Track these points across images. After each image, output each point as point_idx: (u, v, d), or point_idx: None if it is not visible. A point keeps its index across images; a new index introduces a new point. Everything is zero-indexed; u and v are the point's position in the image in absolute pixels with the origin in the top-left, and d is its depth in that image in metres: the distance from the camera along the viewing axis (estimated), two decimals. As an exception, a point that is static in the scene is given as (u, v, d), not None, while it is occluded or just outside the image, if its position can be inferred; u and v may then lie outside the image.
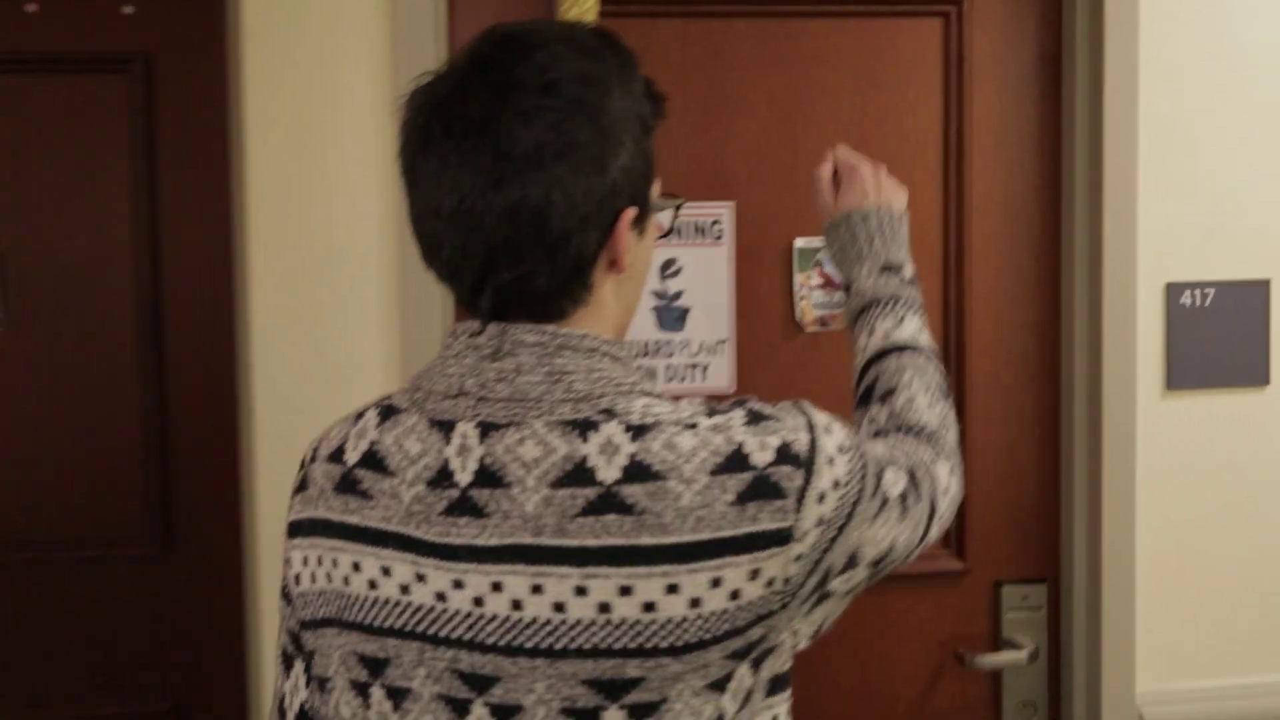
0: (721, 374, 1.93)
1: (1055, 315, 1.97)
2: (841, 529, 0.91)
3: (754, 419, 0.92)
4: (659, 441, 0.88)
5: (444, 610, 0.88)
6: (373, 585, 0.91)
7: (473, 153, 0.89)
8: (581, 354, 0.92)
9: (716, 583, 0.86)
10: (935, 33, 1.92)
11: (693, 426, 0.89)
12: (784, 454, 0.89)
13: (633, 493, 0.86)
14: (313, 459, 1.00)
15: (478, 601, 0.87)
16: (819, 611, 0.93)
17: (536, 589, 0.86)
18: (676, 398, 0.94)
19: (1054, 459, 1.99)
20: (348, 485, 0.94)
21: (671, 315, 1.91)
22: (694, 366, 1.92)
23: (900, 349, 1.23)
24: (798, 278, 1.92)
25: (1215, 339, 1.91)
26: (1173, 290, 1.92)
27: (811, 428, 0.92)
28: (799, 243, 1.91)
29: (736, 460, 0.88)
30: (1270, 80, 1.92)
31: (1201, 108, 1.91)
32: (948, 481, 1.08)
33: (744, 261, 1.91)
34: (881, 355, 1.24)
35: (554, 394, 0.90)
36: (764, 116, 1.90)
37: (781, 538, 0.88)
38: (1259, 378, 1.92)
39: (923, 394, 1.17)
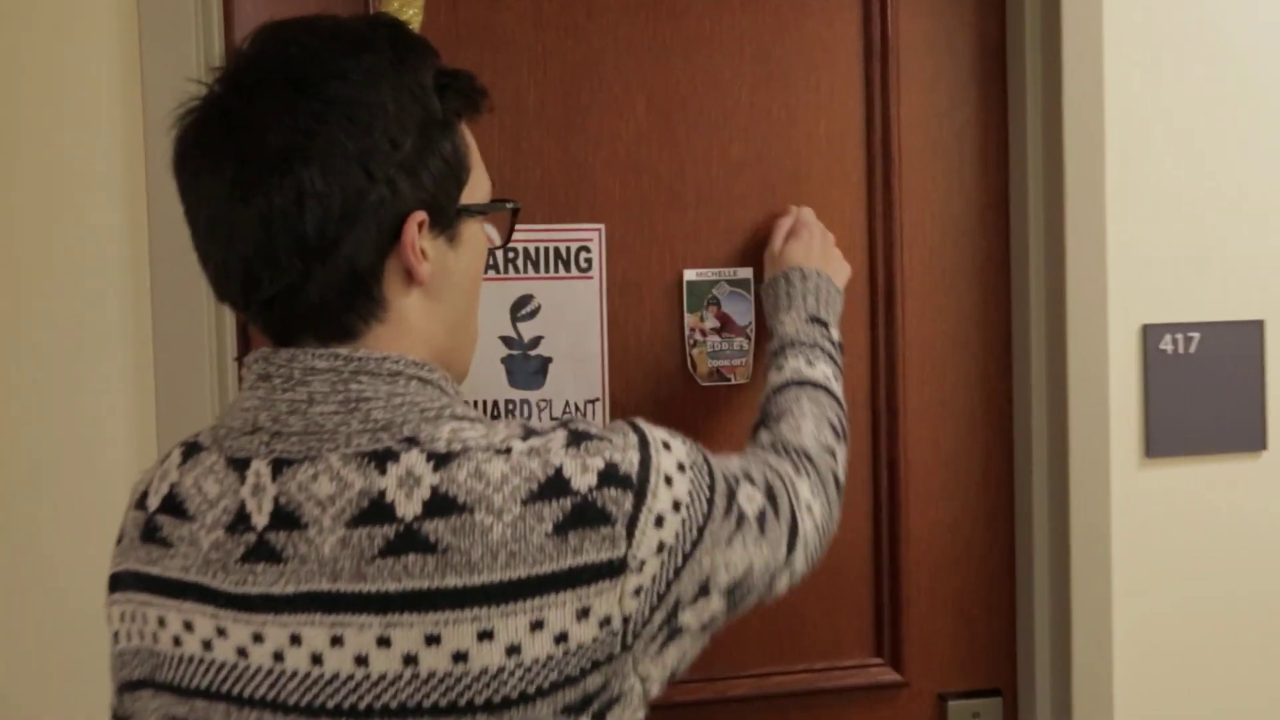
0: (592, 442, 1.52)
1: (1007, 366, 1.60)
2: (689, 555, 0.84)
3: (576, 439, 0.84)
4: (465, 470, 0.81)
5: (245, 667, 0.83)
6: (177, 642, 0.86)
7: (221, 160, 0.84)
8: (382, 378, 0.85)
9: (537, 626, 0.79)
10: (854, 14, 1.54)
11: (505, 451, 0.82)
12: (609, 475, 0.82)
13: (435, 529, 0.80)
14: (129, 505, 0.94)
15: (278, 656, 0.81)
16: (671, 652, 0.85)
17: (336, 641, 0.80)
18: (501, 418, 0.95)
19: (1008, 542, 1.61)
20: (150, 533, 0.90)
21: (527, 369, 1.51)
22: (557, 433, 1.51)
23: (804, 383, 1.20)
24: (688, 319, 1.53)
25: (1202, 393, 1.53)
26: (1150, 334, 1.54)
27: (644, 445, 0.85)
28: (689, 275, 1.52)
29: (554, 485, 0.81)
30: (1264, 73, 1.56)
31: (1181, 108, 1.54)
32: (810, 499, 1.03)
33: (619, 299, 1.51)
34: (784, 387, 1.21)
35: (350, 424, 0.84)
36: (640, 118, 1.51)
37: (612, 569, 0.80)
38: (1253, 441, 1.56)
39: (811, 421, 1.14)
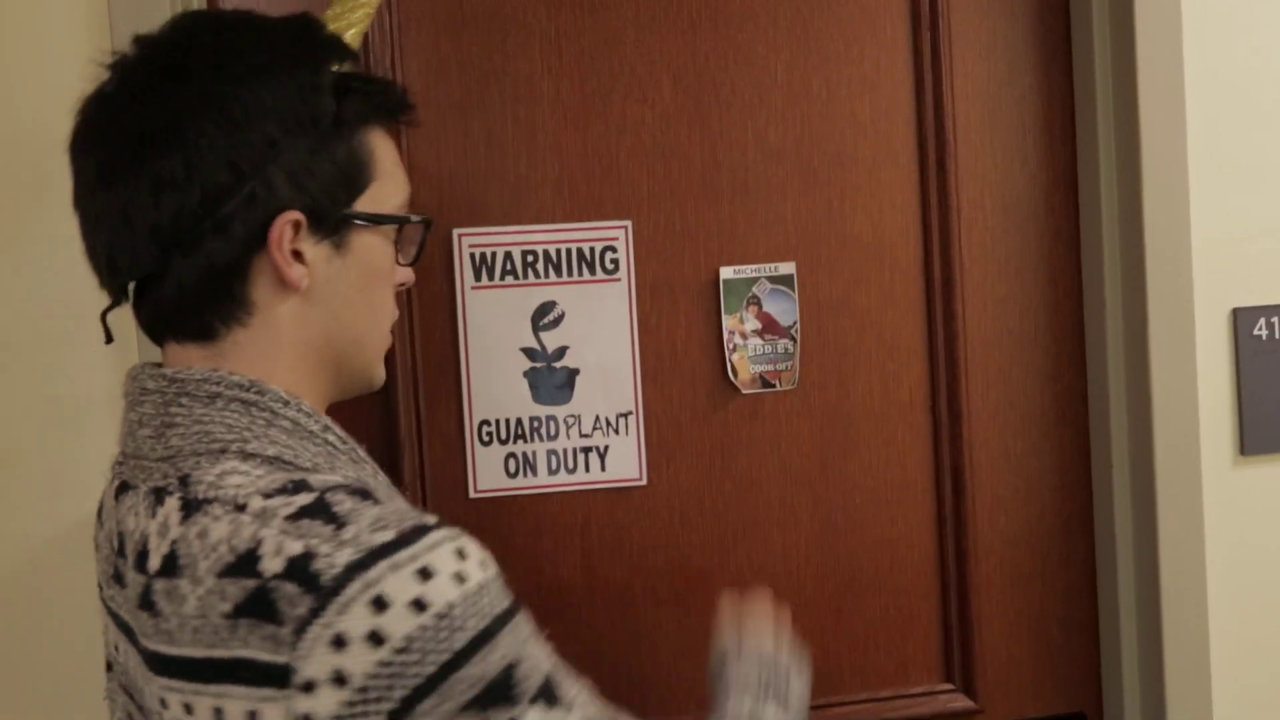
0: (627, 459, 1.37)
1: (1080, 361, 1.44)
2: (398, 713, 0.69)
3: (315, 511, 0.73)
4: (198, 526, 0.75)
5: None
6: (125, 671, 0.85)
7: (92, 146, 0.82)
8: (199, 400, 0.80)
9: (218, 714, 0.73)
10: None
11: (240, 509, 0.75)
12: (295, 566, 0.71)
13: (159, 590, 0.76)
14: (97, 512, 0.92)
15: None
16: None
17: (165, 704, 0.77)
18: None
19: (1088, 553, 1.45)
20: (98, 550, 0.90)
21: (552, 382, 1.37)
22: (588, 451, 1.37)
23: None
24: (727, 322, 1.39)
25: (1301, 381, 1.38)
26: (1242, 318, 1.36)
27: (378, 551, 0.70)
28: (726, 273, 1.38)
29: (246, 562, 0.72)
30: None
31: (1270, 66, 1.36)
32: None
33: (650, 302, 1.37)
34: None
35: (156, 451, 0.81)
36: (666, 101, 1.36)
37: (274, 677, 0.70)
38: (1359, 431, 1.40)
39: None
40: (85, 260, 0.84)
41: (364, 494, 0.75)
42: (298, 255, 0.82)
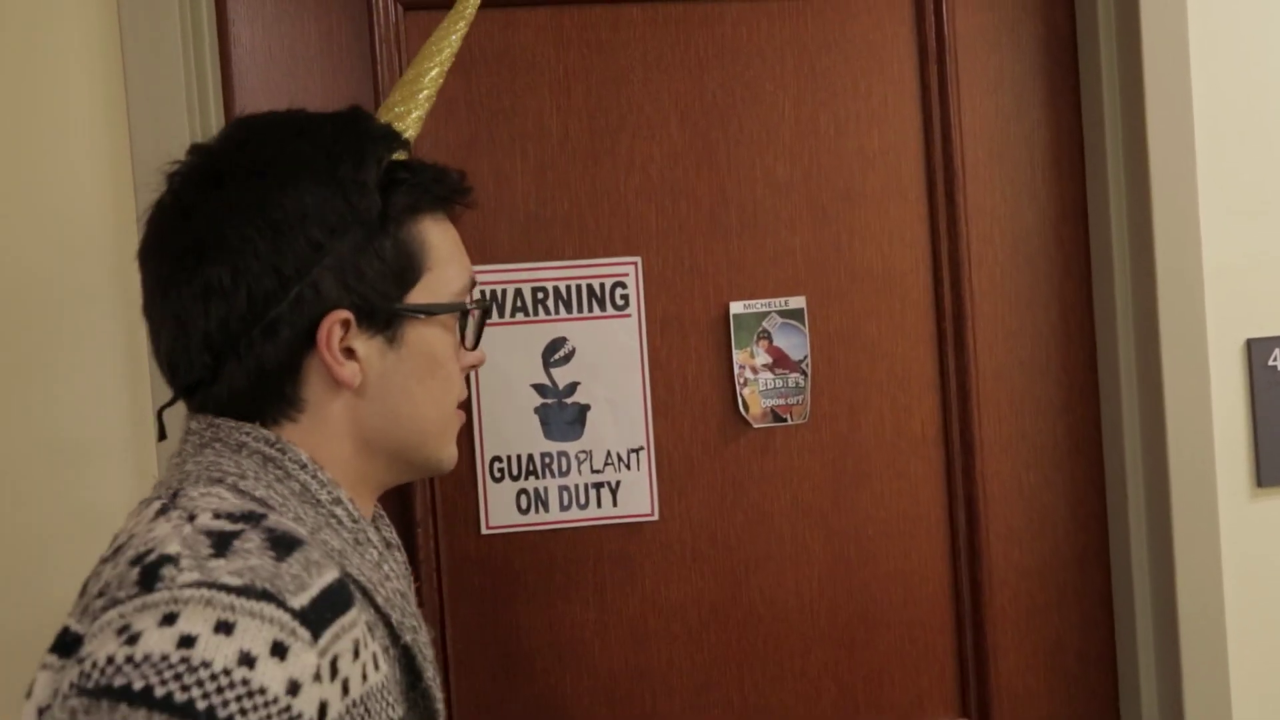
0: (639, 494, 1.37)
1: (1092, 394, 1.43)
2: None
3: (220, 536, 0.74)
4: (154, 524, 0.77)
5: None
6: None
7: (150, 255, 0.85)
8: (229, 446, 0.83)
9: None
10: (905, 13, 1.39)
11: (192, 518, 0.76)
12: (155, 560, 0.72)
13: (95, 572, 0.78)
14: None
15: None
16: None
17: None
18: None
19: (1104, 586, 1.44)
20: None
21: (563, 418, 1.37)
22: (599, 486, 1.37)
23: None
24: (737, 356, 1.39)
25: (1316, 411, 1.37)
26: (1256, 349, 1.35)
27: (225, 589, 0.71)
28: (736, 307, 1.38)
29: (147, 551, 0.74)
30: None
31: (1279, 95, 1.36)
32: None
33: (661, 337, 1.36)
34: None
35: (174, 476, 0.83)
36: (674, 138, 1.36)
37: (71, 644, 0.74)
38: (1376, 460, 1.38)
39: None
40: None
41: (286, 545, 0.75)
42: (350, 352, 0.83)
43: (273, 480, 0.82)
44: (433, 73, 1.05)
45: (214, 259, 0.81)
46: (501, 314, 1.33)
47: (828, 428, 1.38)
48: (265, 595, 0.71)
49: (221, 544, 0.74)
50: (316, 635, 0.71)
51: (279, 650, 0.69)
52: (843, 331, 1.38)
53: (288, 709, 0.69)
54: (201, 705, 0.67)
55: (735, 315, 1.36)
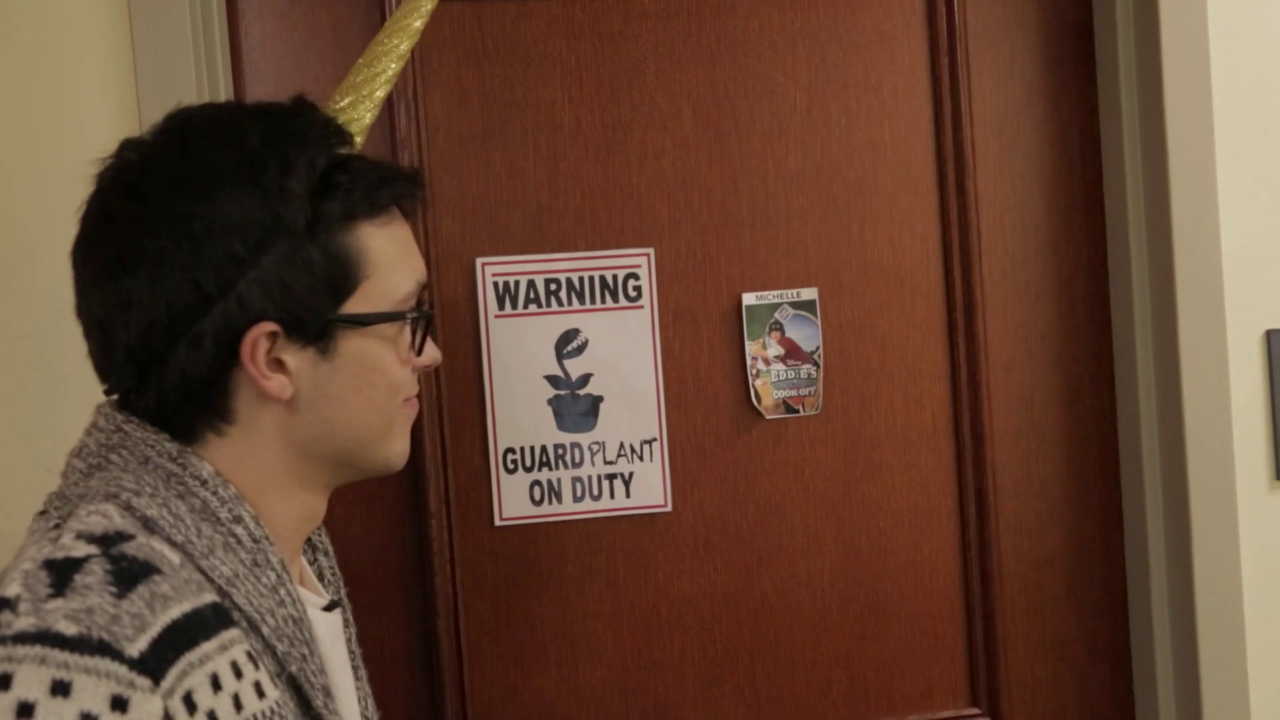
0: (652, 486, 1.37)
1: (1108, 388, 1.43)
2: None
3: (63, 568, 0.73)
4: (26, 549, 0.78)
5: None
6: None
7: (78, 255, 0.83)
8: (135, 458, 0.81)
9: None
10: (916, 4, 1.37)
11: (56, 539, 0.76)
12: None
13: None
14: None
15: None
16: None
17: None
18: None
19: (1113, 576, 1.44)
20: None
21: (576, 409, 1.37)
22: (612, 478, 1.37)
23: None
24: (749, 348, 1.39)
25: (1328, 402, 1.37)
26: (1276, 340, 1.34)
27: (58, 641, 0.69)
28: (748, 299, 1.38)
29: None
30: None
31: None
32: None
33: (673, 329, 1.36)
34: None
35: (77, 489, 0.81)
36: (686, 130, 1.36)
37: None
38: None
39: None
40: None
41: (130, 579, 0.73)
42: (280, 364, 0.81)
43: (171, 497, 0.80)
44: (390, 70, 0.97)
45: (132, 270, 0.79)
46: (515, 305, 1.32)
47: (839, 419, 1.38)
48: (100, 648, 0.70)
49: (61, 581, 0.72)
50: (158, 679, 0.71)
51: (119, 704, 0.69)
52: (854, 323, 1.38)
53: None
54: None
55: (748, 307, 1.35)
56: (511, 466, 1.32)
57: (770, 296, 1.36)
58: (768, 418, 1.36)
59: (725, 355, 1.36)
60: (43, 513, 0.84)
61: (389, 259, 0.84)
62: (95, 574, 0.72)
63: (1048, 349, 1.40)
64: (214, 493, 0.81)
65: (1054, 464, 1.41)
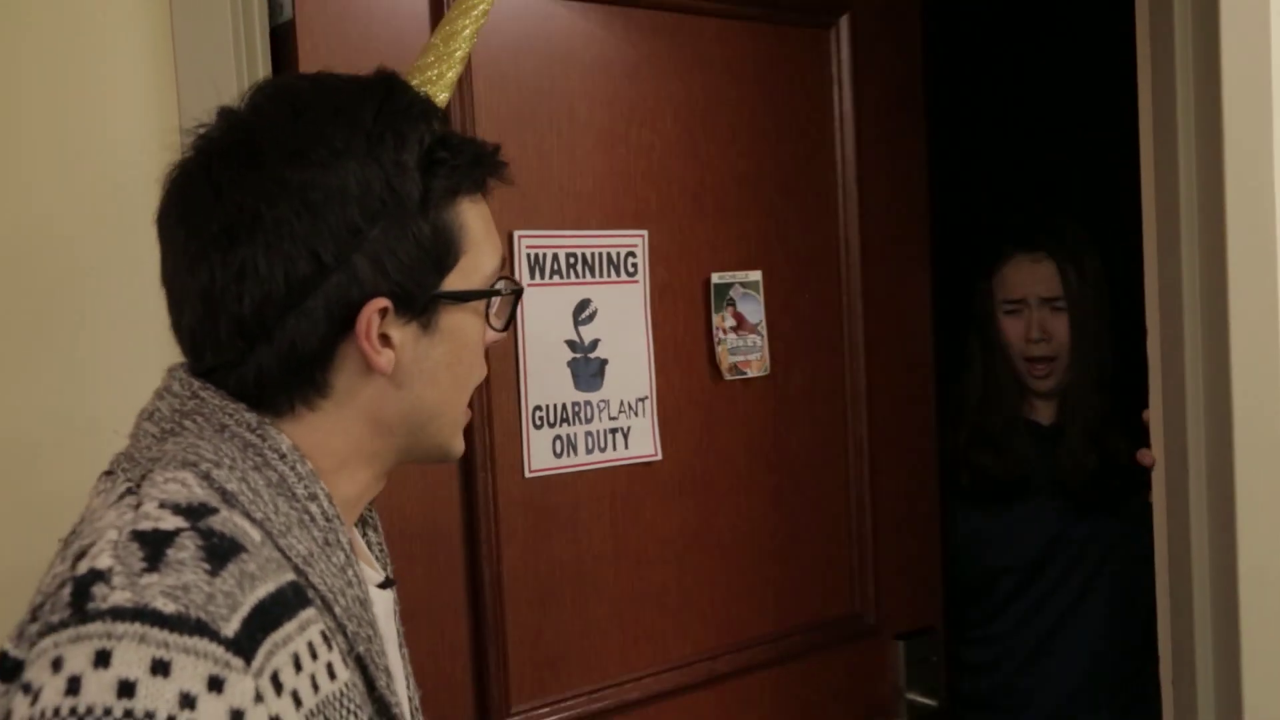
0: (645, 438, 1.55)
1: (928, 345, 1.88)
2: None
3: (155, 541, 0.72)
4: (107, 511, 0.76)
5: None
6: None
7: (176, 227, 0.81)
8: (211, 425, 0.80)
9: None
10: (828, 91, 1.70)
11: (138, 506, 0.75)
12: (85, 579, 0.71)
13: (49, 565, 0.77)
14: None
15: None
16: None
17: None
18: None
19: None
20: None
21: (588, 370, 1.51)
22: (615, 432, 1.52)
23: None
24: (715, 319, 1.62)
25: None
26: None
27: (157, 619, 0.69)
28: (715, 278, 1.61)
29: (81, 554, 0.73)
30: None
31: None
32: None
33: (659, 301, 1.54)
34: None
35: (149, 452, 0.80)
36: (670, 130, 1.56)
37: (9, 670, 0.71)
38: None
39: None
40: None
41: (223, 555, 0.72)
42: (385, 339, 0.81)
43: (249, 469, 0.79)
44: (467, 31, 1.03)
45: (249, 240, 0.77)
46: (543, 276, 1.45)
47: (771, 381, 1.66)
48: (198, 627, 0.69)
49: (155, 555, 0.71)
50: (249, 659, 0.71)
51: (216, 684, 0.69)
52: (783, 303, 1.67)
53: None
54: None
55: (715, 285, 1.60)
56: (539, 422, 1.44)
57: (728, 277, 1.61)
58: (726, 379, 1.61)
59: (697, 326, 1.58)
60: (108, 473, 0.81)
61: (480, 235, 0.86)
62: (188, 549, 0.72)
63: (905, 325, 1.80)
64: (292, 468, 0.80)
65: (917, 420, 1.81)
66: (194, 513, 0.74)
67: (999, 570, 1.93)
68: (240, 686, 0.70)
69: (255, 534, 0.76)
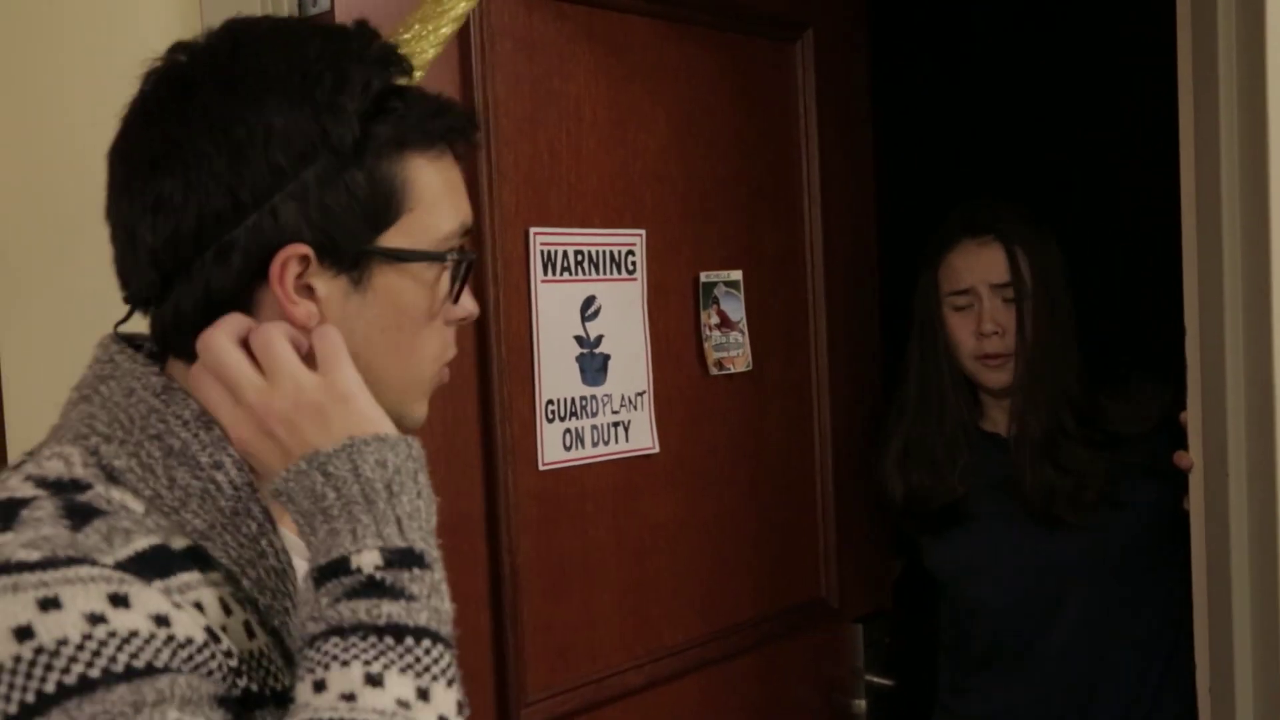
0: (644, 431, 1.58)
1: (877, 334, 1.99)
2: None
3: (7, 507, 0.70)
4: None
5: None
6: None
7: (115, 154, 0.80)
8: (120, 390, 0.77)
9: None
10: (794, 102, 1.78)
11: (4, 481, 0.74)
12: None
13: None
14: None
15: None
16: None
17: None
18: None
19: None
20: None
21: (593, 365, 1.53)
22: (616, 425, 1.56)
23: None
24: (702, 317, 1.67)
25: None
26: None
27: (23, 567, 0.65)
28: (703, 277, 1.66)
29: None
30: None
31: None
32: None
33: (655, 298, 1.57)
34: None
35: (58, 420, 0.79)
36: (662, 133, 1.60)
37: None
38: None
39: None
40: None
41: (84, 515, 0.69)
42: (309, 290, 0.77)
43: (145, 439, 0.75)
44: (459, 9, 1.00)
45: (168, 172, 0.74)
46: (555, 272, 1.47)
47: (750, 376, 1.73)
48: (72, 561, 0.66)
49: (7, 517, 0.69)
50: (149, 582, 0.68)
51: (120, 600, 0.66)
52: (759, 301, 1.74)
53: (171, 638, 0.66)
54: (92, 674, 0.63)
55: (703, 283, 1.65)
56: (551, 416, 1.47)
57: (713, 276, 1.67)
58: (711, 374, 1.67)
59: (687, 323, 1.64)
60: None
61: (434, 194, 0.80)
62: (44, 509, 0.69)
63: (858, 323, 1.90)
64: (195, 435, 0.75)
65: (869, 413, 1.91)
66: (59, 487, 0.71)
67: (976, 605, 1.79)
68: (148, 595, 0.66)
69: (138, 506, 0.73)
